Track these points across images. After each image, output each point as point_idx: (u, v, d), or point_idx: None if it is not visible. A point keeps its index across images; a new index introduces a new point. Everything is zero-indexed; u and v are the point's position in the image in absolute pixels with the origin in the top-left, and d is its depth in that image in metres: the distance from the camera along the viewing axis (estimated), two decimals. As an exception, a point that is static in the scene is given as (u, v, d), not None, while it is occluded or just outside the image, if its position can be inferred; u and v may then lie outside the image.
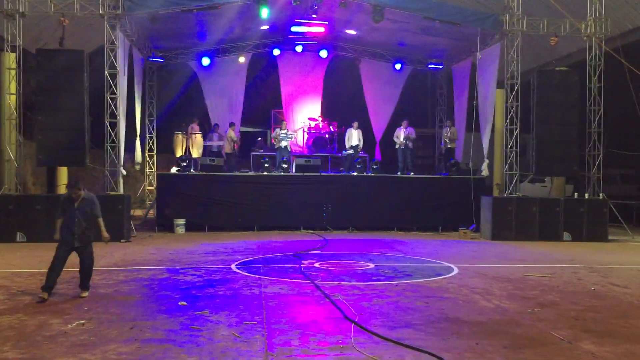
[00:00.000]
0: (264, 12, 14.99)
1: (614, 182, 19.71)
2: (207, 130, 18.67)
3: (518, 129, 14.77)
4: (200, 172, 15.87)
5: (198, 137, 17.57)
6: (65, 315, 6.35)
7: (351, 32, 18.73)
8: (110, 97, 13.55)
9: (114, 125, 13.64)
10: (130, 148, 16.82)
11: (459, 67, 19.05)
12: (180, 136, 17.51)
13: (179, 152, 17.44)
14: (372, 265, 9.93)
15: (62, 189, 16.19)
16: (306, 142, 18.98)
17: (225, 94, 19.72)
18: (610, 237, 14.54)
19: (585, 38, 15.00)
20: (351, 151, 17.46)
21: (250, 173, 16.57)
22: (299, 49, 19.24)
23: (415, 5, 14.95)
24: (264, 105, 20.81)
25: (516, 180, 14.92)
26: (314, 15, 16.16)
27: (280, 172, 16.25)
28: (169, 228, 15.03)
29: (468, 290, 7.94)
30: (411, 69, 20.43)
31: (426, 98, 22.37)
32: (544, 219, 14.29)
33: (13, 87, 13.56)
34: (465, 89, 18.41)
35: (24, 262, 10.14)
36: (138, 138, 17.61)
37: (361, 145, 17.74)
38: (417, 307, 6.87)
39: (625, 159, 20.28)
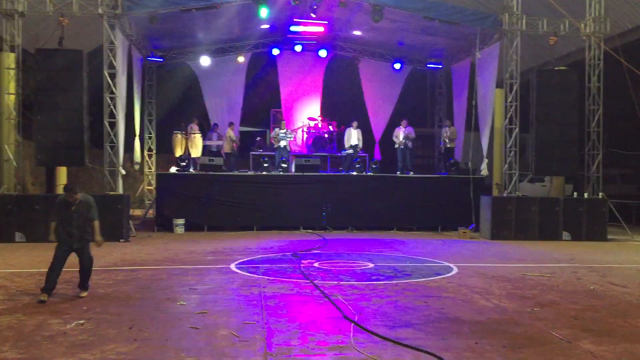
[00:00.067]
0: (263, 12, 14.99)
1: (613, 182, 19.71)
2: (207, 130, 18.67)
3: (517, 129, 14.77)
4: (200, 172, 15.87)
5: (197, 137, 17.56)
6: (64, 315, 6.35)
7: (351, 32, 18.73)
8: (109, 97, 13.55)
9: (113, 125, 13.63)
10: (129, 148, 16.81)
11: (458, 66, 19.05)
12: (179, 136, 17.51)
13: (178, 152, 17.44)
14: (371, 265, 9.93)
15: (61, 189, 16.18)
16: (305, 142, 18.98)
17: (224, 94, 19.71)
18: (609, 237, 14.55)
19: (584, 37, 15.01)
20: (350, 151, 17.46)
21: (250, 173, 16.57)
22: (298, 48, 19.24)
23: (414, 5, 14.96)
24: (263, 105, 20.83)
25: (515, 180, 14.92)
26: (313, 15, 16.15)
27: (280, 171, 16.26)
28: (168, 228, 15.03)
29: (467, 289, 7.94)
30: (410, 68, 20.43)
31: (425, 98, 22.37)
32: (544, 219, 14.29)
33: (12, 87, 13.55)
34: (464, 88, 18.42)
35: (23, 262, 10.13)
36: (137, 138, 17.60)
37: (360, 145, 17.74)
38: (416, 307, 6.87)
39: (625, 158, 20.30)
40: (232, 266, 9.69)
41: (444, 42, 18.20)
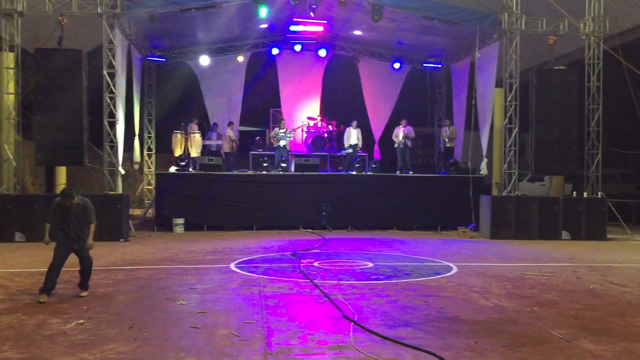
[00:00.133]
0: (263, 11, 14.99)
1: (613, 181, 19.71)
2: (206, 129, 18.67)
3: (517, 128, 14.77)
4: (199, 172, 15.87)
5: (197, 137, 17.56)
6: (65, 314, 6.35)
7: (351, 32, 18.73)
8: (108, 97, 13.54)
9: (113, 125, 13.63)
10: (129, 147, 16.82)
11: (458, 66, 19.05)
12: (179, 135, 17.51)
13: (178, 152, 17.44)
14: (371, 265, 9.93)
15: (60, 189, 16.18)
16: (305, 142, 18.98)
17: (224, 93, 19.71)
18: (609, 236, 14.55)
19: (584, 37, 15.01)
20: (350, 150, 17.47)
21: (249, 172, 16.58)
22: (297, 48, 19.24)
23: (414, 5, 14.95)
24: (262, 105, 20.81)
25: (515, 179, 14.92)
26: (312, 14, 16.15)
27: (279, 171, 16.26)
28: (168, 227, 15.03)
29: (467, 289, 7.94)
30: (410, 68, 20.44)
31: (425, 97, 22.37)
32: (543, 218, 14.30)
33: (11, 87, 13.55)
34: (464, 88, 18.42)
35: (22, 261, 10.13)
36: (137, 137, 17.61)
37: (360, 145, 17.75)
38: (416, 306, 6.87)
39: (624, 157, 20.32)
40: (232, 266, 9.69)
41: (444, 42, 18.21)
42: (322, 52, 19.46)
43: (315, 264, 9.95)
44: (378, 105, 20.33)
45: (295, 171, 16.14)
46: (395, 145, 17.42)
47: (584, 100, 15.00)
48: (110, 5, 13.34)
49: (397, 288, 7.96)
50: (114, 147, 13.67)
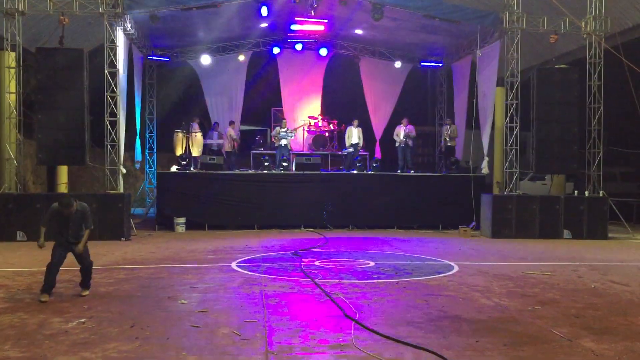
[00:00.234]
0: (264, 11, 14.97)
1: (614, 180, 19.71)
2: (207, 128, 18.68)
3: (518, 127, 14.77)
4: (200, 171, 15.88)
5: (198, 136, 17.57)
6: (66, 313, 6.35)
7: (352, 31, 18.72)
8: (110, 96, 13.54)
9: (114, 124, 13.64)
10: (130, 147, 16.82)
11: (459, 64, 19.03)
12: (180, 135, 17.52)
13: (179, 151, 17.45)
14: (372, 264, 9.94)
15: (62, 188, 16.23)
16: (306, 141, 18.99)
17: (225, 93, 19.71)
18: (610, 235, 14.53)
19: (585, 36, 14.98)
20: (351, 149, 17.47)
21: (250, 171, 16.58)
22: (298, 47, 19.21)
23: (415, 3, 14.94)
24: (263, 104, 20.81)
25: (516, 178, 14.92)
26: (313, 13, 16.14)
27: (281, 170, 16.26)
28: (169, 227, 15.05)
29: (468, 288, 7.94)
30: (411, 66, 20.41)
31: (426, 96, 22.36)
32: (544, 217, 14.28)
33: (13, 86, 13.57)
34: (465, 86, 18.40)
35: (24, 261, 10.13)
36: (138, 136, 17.61)
37: (361, 144, 17.75)
38: (417, 305, 6.87)
39: (625, 156, 20.32)
40: (233, 265, 9.70)
41: (445, 41, 18.19)
42: (323, 51, 19.44)
43: (317, 263, 9.95)
44: (379, 104, 20.32)
45: (296, 170, 16.14)
46: (397, 144, 17.42)
47: (585, 99, 14.98)
48: (112, 5, 13.34)
49: (398, 287, 7.97)
50: (115, 146, 13.67)
